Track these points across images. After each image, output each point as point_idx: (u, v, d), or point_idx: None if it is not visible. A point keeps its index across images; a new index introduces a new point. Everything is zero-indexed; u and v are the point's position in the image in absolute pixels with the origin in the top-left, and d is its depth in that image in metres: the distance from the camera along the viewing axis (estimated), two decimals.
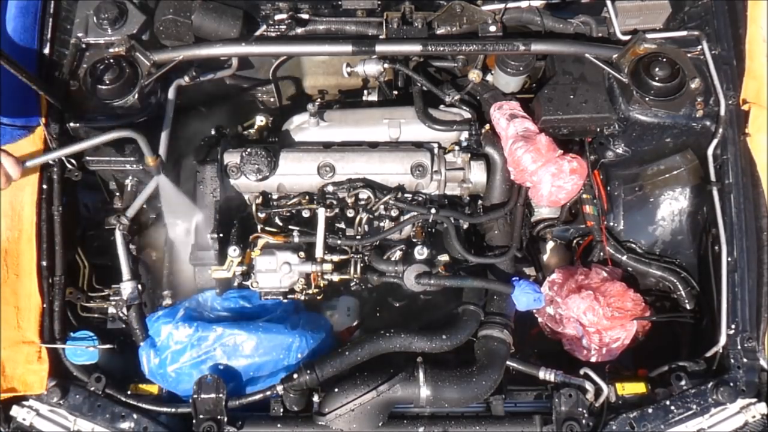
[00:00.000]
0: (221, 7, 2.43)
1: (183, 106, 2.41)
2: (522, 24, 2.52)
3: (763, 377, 2.11)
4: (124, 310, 2.21)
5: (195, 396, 2.00)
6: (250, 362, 2.16)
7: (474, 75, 2.47)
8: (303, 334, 2.19)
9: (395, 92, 2.69)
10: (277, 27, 2.48)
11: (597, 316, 2.30)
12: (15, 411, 2.04)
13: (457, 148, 2.42)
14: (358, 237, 2.35)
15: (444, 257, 2.33)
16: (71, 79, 2.26)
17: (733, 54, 2.39)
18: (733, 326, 2.15)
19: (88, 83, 2.25)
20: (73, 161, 2.28)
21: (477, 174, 2.41)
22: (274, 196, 2.43)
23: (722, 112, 2.31)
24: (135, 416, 2.05)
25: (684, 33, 2.42)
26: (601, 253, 2.52)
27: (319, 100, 2.76)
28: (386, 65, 2.52)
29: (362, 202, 2.37)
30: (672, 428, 2.05)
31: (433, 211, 2.30)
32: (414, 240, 2.36)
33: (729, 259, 2.21)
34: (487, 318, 2.23)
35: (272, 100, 2.84)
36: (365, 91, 2.71)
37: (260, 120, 2.54)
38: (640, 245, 2.59)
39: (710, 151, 2.32)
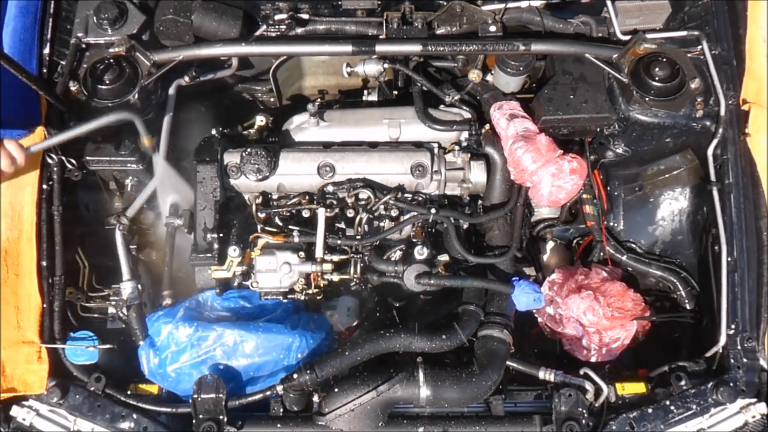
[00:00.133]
0: (221, 7, 2.43)
1: (183, 106, 2.41)
2: (522, 24, 2.52)
3: (763, 377, 2.11)
4: (124, 310, 2.20)
5: (195, 396, 2.00)
6: (250, 362, 2.15)
7: (474, 75, 2.47)
8: (303, 334, 2.19)
9: (395, 92, 2.69)
10: (277, 27, 2.49)
11: (597, 316, 2.30)
12: (15, 411, 2.03)
13: (457, 148, 2.42)
14: (358, 237, 2.35)
15: (444, 257, 2.32)
16: (71, 79, 2.26)
17: (733, 54, 2.39)
18: (733, 326, 2.15)
19: (88, 83, 2.25)
20: (73, 161, 2.28)
21: (477, 174, 2.41)
22: (274, 196, 2.43)
23: (722, 112, 2.30)
24: (135, 416, 2.04)
25: (684, 33, 2.42)
26: (601, 253, 2.52)
27: (319, 100, 2.76)
28: (386, 65, 2.52)
29: (362, 202, 2.37)
30: (672, 428, 2.05)
31: (433, 211, 2.30)
32: (414, 240, 2.35)
33: (729, 259, 2.21)
34: (487, 318, 2.22)
35: (272, 100, 2.83)
36: (365, 91, 2.70)
37: (260, 120, 2.54)
38: (640, 245, 2.58)
39: (710, 151, 2.32)
